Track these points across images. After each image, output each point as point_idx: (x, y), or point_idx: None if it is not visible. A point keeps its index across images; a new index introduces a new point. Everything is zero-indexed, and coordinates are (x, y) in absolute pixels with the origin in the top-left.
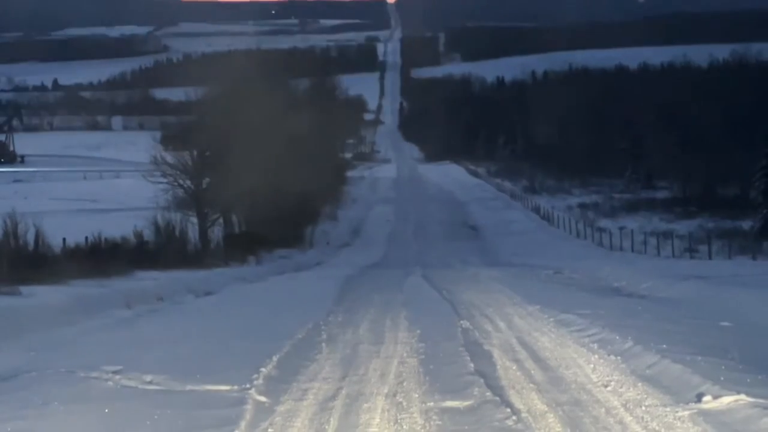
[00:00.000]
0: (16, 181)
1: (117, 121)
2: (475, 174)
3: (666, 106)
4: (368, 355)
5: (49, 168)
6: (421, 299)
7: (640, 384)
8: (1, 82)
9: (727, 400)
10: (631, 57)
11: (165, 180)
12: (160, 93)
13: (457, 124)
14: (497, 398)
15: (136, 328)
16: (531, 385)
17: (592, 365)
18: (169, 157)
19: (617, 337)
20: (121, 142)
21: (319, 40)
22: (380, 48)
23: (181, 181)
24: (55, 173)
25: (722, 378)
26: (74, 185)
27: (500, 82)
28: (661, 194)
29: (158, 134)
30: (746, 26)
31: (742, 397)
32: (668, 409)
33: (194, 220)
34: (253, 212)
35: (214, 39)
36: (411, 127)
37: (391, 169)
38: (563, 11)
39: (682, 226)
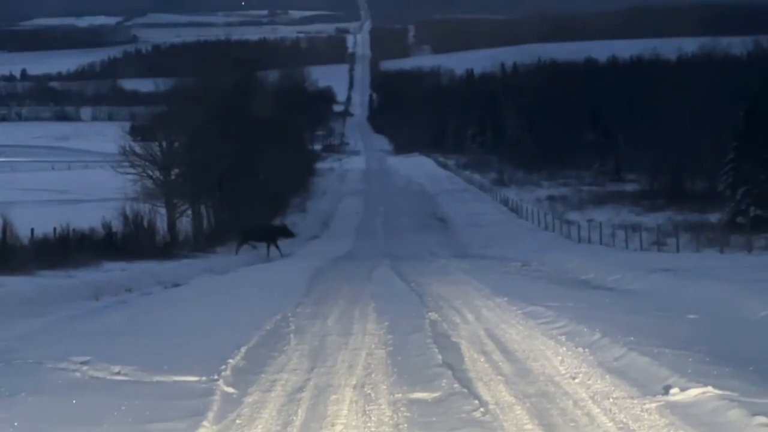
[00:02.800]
0: None
1: (86, 111)
2: (444, 166)
3: (635, 99)
4: (336, 346)
5: (17, 158)
6: (390, 291)
7: (607, 376)
8: None
9: (694, 392)
10: (600, 50)
11: (134, 171)
12: (129, 84)
13: (426, 116)
14: (465, 390)
15: (104, 319)
16: (499, 377)
17: (560, 357)
18: (137, 148)
19: (585, 330)
20: (90, 133)
21: (289, 32)
22: (350, 40)
23: (149, 172)
24: (23, 163)
25: (689, 370)
26: (42, 176)
27: (470, 74)
28: (629, 187)
29: (127, 125)
30: (715, 20)
31: (709, 389)
32: (635, 401)
33: (163, 210)
34: (222, 203)
35: (184, 30)
36: (380, 119)
37: (361, 161)
38: (533, 4)
39: (650, 219)
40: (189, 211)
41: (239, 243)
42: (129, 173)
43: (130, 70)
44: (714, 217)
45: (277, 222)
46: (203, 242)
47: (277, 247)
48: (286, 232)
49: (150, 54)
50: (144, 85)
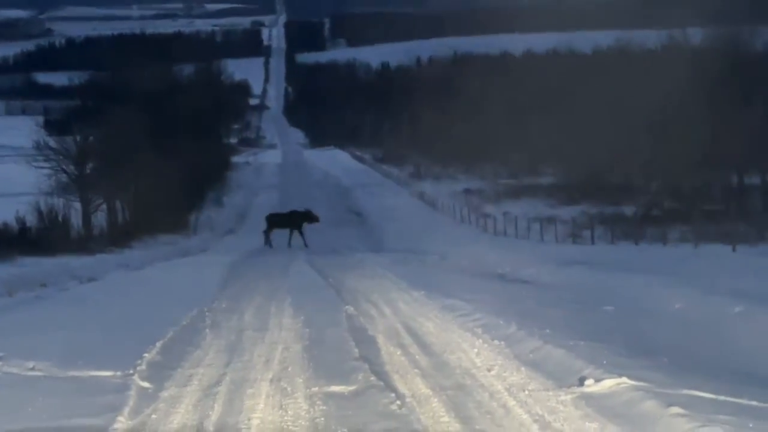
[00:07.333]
0: None
1: None
2: (360, 160)
3: (550, 93)
4: (253, 341)
5: None
6: (306, 285)
7: (523, 368)
8: None
9: (609, 383)
10: (516, 43)
11: (48, 165)
12: (44, 77)
13: (342, 109)
14: (381, 383)
15: (19, 314)
16: (415, 370)
17: (476, 350)
18: (52, 142)
19: (501, 322)
20: (3, 127)
21: (204, 25)
22: (265, 33)
23: (64, 166)
24: None
25: (604, 362)
26: None
27: (385, 67)
28: (545, 180)
29: (41, 119)
30: (630, 13)
31: (624, 380)
32: (551, 393)
33: (77, 205)
34: (137, 198)
35: (99, 23)
36: (296, 112)
37: (277, 154)
38: None
39: (566, 212)
40: (104, 206)
41: (267, 232)
42: (43, 167)
43: (45, 63)
44: (629, 210)
45: (299, 208)
46: (118, 237)
47: (302, 234)
48: (311, 217)
49: (64, 48)
50: (58, 79)
